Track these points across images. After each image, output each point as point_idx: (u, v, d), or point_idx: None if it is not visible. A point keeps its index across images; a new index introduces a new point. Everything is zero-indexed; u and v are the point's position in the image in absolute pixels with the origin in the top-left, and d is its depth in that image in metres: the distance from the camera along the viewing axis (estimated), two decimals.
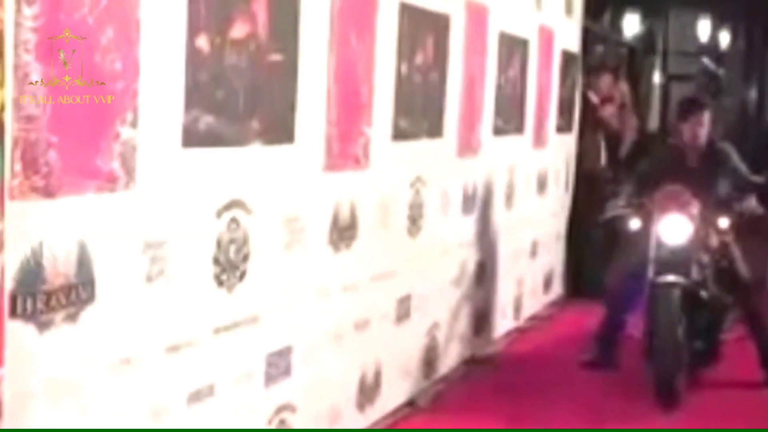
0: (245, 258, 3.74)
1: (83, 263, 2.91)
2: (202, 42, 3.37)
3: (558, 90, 8.02)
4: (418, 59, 5.18)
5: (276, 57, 3.83)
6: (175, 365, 3.40)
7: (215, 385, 3.65)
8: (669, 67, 15.79)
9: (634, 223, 5.98)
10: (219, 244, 3.59)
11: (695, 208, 5.80)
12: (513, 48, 6.72)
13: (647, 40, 14.96)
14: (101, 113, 2.93)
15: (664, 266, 5.71)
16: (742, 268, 6.15)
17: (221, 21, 3.48)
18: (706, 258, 5.92)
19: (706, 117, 6.11)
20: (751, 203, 6.04)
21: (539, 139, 7.57)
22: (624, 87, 9.53)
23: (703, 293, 5.87)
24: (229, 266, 3.65)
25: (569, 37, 8.30)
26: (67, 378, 2.88)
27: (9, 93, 2.55)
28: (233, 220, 3.65)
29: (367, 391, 4.96)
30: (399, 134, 5.01)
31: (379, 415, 5.10)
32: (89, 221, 2.93)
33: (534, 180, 7.58)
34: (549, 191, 7.99)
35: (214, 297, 3.60)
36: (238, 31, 3.58)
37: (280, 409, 4.15)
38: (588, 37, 9.17)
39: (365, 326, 4.86)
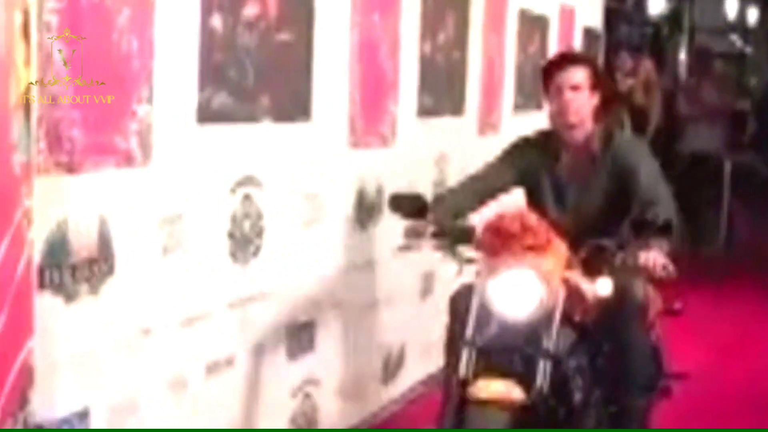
0: (259, 233, 3.81)
1: (104, 237, 3.00)
2: (216, 22, 3.44)
3: None
4: (441, 37, 5.23)
5: (285, 36, 3.88)
6: (192, 337, 3.47)
7: (234, 357, 3.72)
8: (695, 45, 15.72)
9: (449, 270, 3.42)
10: (234, 219, 3.66)
11: (557, 253, 3.30)
12: (533, 25, 6.74)
13: (673, 18, 14.90)
14: (119, 91, 3.01)
15: (488, 362, 3.23)
16: (637, 368, 3.74)
17: (234, 1, 3.55)
18: (567, 341, 3.41)
19: (585, 81, 3.68)
20: (652, 258, 3.32)
21: None
22: (648, 64, 9.53)
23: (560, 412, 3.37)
24: (244, 241, 3.72)
25: (591, 15, 8.30)
26: (90, 348, 2.97)
27: (34, 73, 2.65)
28: (246, 196, 3.72)
29: (392, 367, 5.02)
30: (423, 111, 5.08)
31: (402, 389, 5.16)
32: (109, 197, 3.01)
33: None
34: None
35: (230, 271, 3.67)
36: (250, 10, 3.64)
37: (305, 382, 4.22)
38: (612, 16, 9.17)
39: (389, 302, 4.92)
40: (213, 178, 3.54)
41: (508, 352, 3.27)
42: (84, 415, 2.96)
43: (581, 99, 3.70)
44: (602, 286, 3.36)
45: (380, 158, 4.65)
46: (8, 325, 2.63)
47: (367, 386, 4.78)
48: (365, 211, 4.56)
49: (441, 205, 3.67)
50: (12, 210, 2.63)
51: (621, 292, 3.48)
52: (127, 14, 2.98)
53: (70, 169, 2.83)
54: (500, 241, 3.25)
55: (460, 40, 5.48)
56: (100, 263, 2.98)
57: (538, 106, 7.05)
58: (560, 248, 3.33)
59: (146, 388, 3.25)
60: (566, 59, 3.86)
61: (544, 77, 3.78)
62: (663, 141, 8.83)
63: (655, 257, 3.32)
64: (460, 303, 3.41)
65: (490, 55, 5.92)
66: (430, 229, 3.43)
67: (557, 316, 3.27)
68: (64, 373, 2.85)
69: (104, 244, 3.00)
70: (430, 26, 5.06)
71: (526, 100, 6.70)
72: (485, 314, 3.24)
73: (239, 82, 3.61)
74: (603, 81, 3.89)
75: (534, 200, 3.81)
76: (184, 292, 3.40)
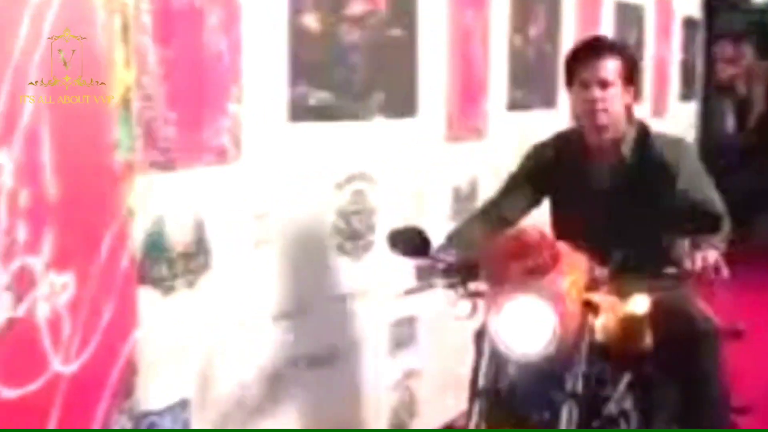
0: (371, 228, 3.87)
1: (199, 232, 3.07)
2: (309, 20, 3.50)
3: (679, 57, 7.93)
4: (532, 31, 5.24)
5: (396, 32, 3.95)
6: (292, 330, 3.53)
7: (336, 351, 3.77)
8: None
9: (463, 309, 2.86)
10: (342, 214, 3.72)
11: (572, 271, 2.74)
12: (629, 15, 6.69)
13: None
14: (210, 90, 3.09)
15: (508, 408, 2.82)
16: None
17: (333, 0, 3.61)
18: (605, 378, 2.92)
19: (617, 74, 3.13)
20: (700, 258, 2.80)
21: (658, 108, 7.50)
22: (750, 52, 9.35)
23: None
24: (353, 236, 3.77)
25: (690, 3, 8.19)
26: (188, 340, 3.05)
27: (133, 74, 2.75)
28: (357, 191, 3.78)
29: None
30: (514, 104, 5.09)
31: None
32: (203, 193, 3.08)
33: None
34: None
35: (337, 265, 3.72)
36: (357, 8, 3.71)
37: (406, 375, 4.26)
38: (713, 3, 9.02)
39: None
40: (312, 174, 3.59)
41: (529, 396, 2.78)
42: (183, 405, 3.04)
43: (612, 96, 3.11)
44: (637, 304, 2.86)
45: (474, 151, 4.68)
46: (114, 318, 2.75)
47: (467, 380, 4.79)
48: (461, 204, 4.59)
49: (457, 239, 3.18)
50: (115, 208, 2.74)
51: (678, 311, 3.06)
52: (216, 14, 3.06)
53: (166, 166, 2.92)
54: (499, 267, 2.74)
55: (553, 34, 5.47)
56: (195, 257, 3.06)
57: (637, 99, 7.01)
58: (577, 265, 2.76)
59: (245, 380, 3.32)
60: (593, 48, 3.19)
61: (567, 70, 3.21)
62: (766, 130, 8.65)
63: (704, 256, 2.79)
64: (480, 341, 2.89)
65: None
66: (441, 266, 2.93)
67: (584, 347, 2.73)
68: (163, 365, 2.94)
69: (199, 239, 3.08)
70: (520, 19, 5.07)
71: None
72: (501, 354, 2.73)
73: (345, 78, 3.67)
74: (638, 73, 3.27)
75: (560, 214, 3.31)
76: (281, 286, 3.46)
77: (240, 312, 3.27)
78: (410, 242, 2.96)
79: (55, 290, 2.56)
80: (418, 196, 4.17)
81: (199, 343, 3.08)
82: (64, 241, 2.56)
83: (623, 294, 2.86)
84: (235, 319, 3.25)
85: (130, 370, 2.81)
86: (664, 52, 7.57)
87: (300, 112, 3.49)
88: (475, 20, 4.60)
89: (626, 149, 3.20)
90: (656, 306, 2.91)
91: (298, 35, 3.46)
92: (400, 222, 3.99)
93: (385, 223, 3.87)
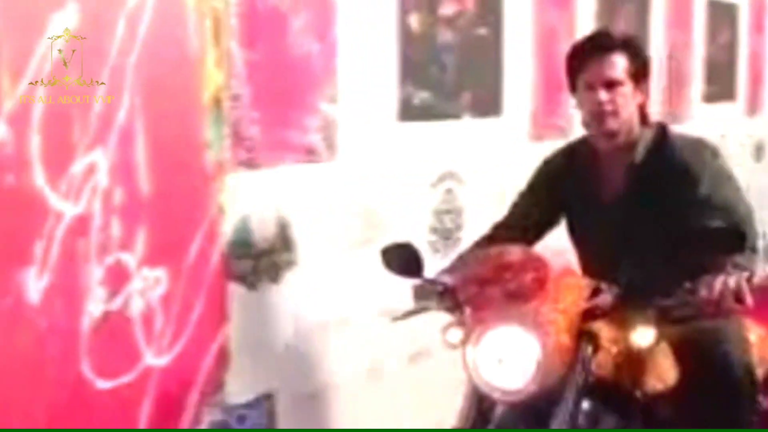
0: (459, 227, 3.90)
1: (284, 229, 3.12)
2: (413, 20, 3.56)
3: None
4: (619, 28, 5.20)
5: (482, 31, 3.97)
6: (388, 327, 3.55)
7: (432, 348, 3.79)
8: None
9: (453, 336, 2.44)
10: (436, 213, 3.76)
11: (564, 295, 2.39)
12: (721, 13, 6.60)
13: None
14: (300, 90, 3.13)
15: None
16: None
17: (430, 1, 3.66)
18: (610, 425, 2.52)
19: (626, 72, 2.75)
20: (731, 281, 2.36)
21: (753, 106, 7.37)
22: None
23: None
24: (445, 235, 3.81)
25: None
26: (273, 334, 3.10)
27: (223, 74, 2.82)
28: (448, 190, 3.82)
29: None
30: None
31: None
32: (290, 191, 3.13)
33: (749, 148, 7.40)
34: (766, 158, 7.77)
35: (430, 264, 3.74)
36: (448, 8, 3.75)
37: None
38: None
39: None
40: (411, 173, 3.63)
41: None
42: (268, 398, 3.09)
43: (621, 97, 2.73)
44: (641, 337, 2.40)
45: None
46: (205, 312, 2.82)
47: None
48: None
49: (465, 261, 2.80)
50: (206, 206, 2.81)
51: (710, 349, 2.68)
52: (306, 16, 3.11)
53: (252, 165, 2.97)
54: (476, 291, 2.40)
55: (640, 33, 5.42)
56: (280, 254, 3.11)
57: (731, 97, 6.91)
58: (571, 289, 2.40)
59: (341, 374, 3.37)
60: (596, 44, 2.81)
61: (568, 71, 2.85)
62: None
63: (723, 281, 2.35)
64: None
65: (673, 45, 5.83)
66: (438, 288, 2.61)
67: (575, 383, 2.33)
68: (249, 358, 2.99)
69: (285, 236, 3.12)
70: (607, 18, 5.04)
71: (716, 91, 6.56)
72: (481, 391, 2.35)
73: (439, 78, 3.72)
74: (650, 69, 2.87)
75: (576, 233, 2.95)
76: (380, 284, 3.49)
77: (330, 308, 3.32)
78: (401, 260, 2.66)
79: (149, 285, 2.64)
80: (501, 196, 4.18)
81: (285, 338, 3.14)
82: (157, 238, 2.64)
83: (630, 324, 2.41)
84: (328, 315, 3.30)
85: (220, 363, 2.88)
86: (759, 49, 7.44)
87: (408, 111, 3.55)
88: (561, 19, 4.59)
89: (640, 155, 2.78)
90: (683, 339, 2.54)
91: (405, 36, 3.51)
92: (485, 221, 4.02)
93: (472, 223, 3.90)
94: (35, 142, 2.33)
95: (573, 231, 2.96)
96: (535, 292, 2.32)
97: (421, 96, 3.63)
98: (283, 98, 3.06)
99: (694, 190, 2.67)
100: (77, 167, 2.44)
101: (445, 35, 3.73)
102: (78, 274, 2.45)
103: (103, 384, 2.53)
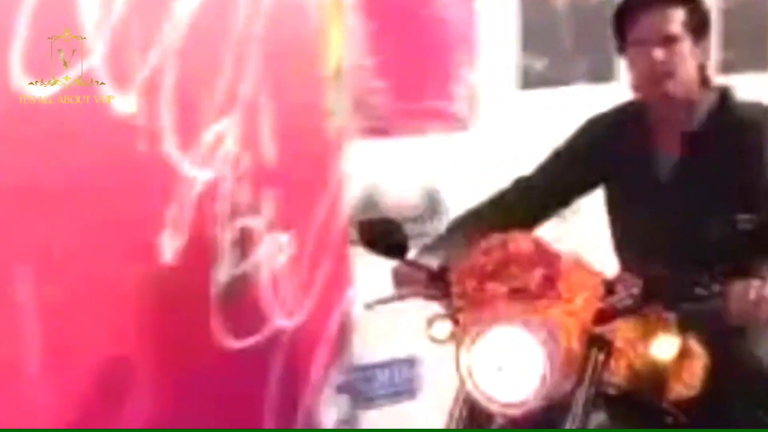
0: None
1: (428, 197, 3.18)
2: None
3: None
4: None
5: None
6: None
7: None
8: None
9: (440, 330, 2.12)
10: None
11: (578, 294, 2.02)
12: None
13: None
14: (438, 59, 3.18)
15: None
16: None
17: None
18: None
19: (684, 26, 2.36)
20: (755, 292, 2.00)
21: None
22: None
23: None
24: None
25: None
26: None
27: (345, 45, 2.89)
28: None
29: None
30: (724, 67, 4.97)
31: None
32: (430, 159, 3.17)
33: None
34: None
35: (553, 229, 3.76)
36: None
37: None
38: None
39: None
40: (537, 141, 3.65)
41: None
42: (410, 362, 3.15)
43: (679, 56, 2.37)
44: (660, 348, 2.08)
45: None
46: (330, 276, 2.90)
47: None
48: None
49: (458, 232, 2.44)
50: (329, 173, 2.89)
51: (747, 364, 2.38)
52: None
53: (379, 132, 3.02)
54: (475, 285, 2.04)
55: None
56: (424, 221, 3.15)
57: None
58: (584, 285, 2.03)
59: None
60: None
61: (616, 29, 2.46)
62: None
63: (760, 289, 2.01)
64: None
65: None
66: (421, 273, 2.23)
67: (581, 395, 2.00)
68: (380, 322, 3.05)
69: (429, 203, 3.17)
70: None
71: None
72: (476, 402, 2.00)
73: (556, 45, 3.73)
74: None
75: (615, 206, 2.56)
76: None
77: None
78: (382, 239, 2.25)
79: (276, 249, 2.74)
80: None
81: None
82: (283, 203, 2.73)
83: (650, 331, 2.09)
84: None
85: (347, 325, 2.96)
86: None
87: (528, 79, 3.58)
88: None
89: (699, 122, 2.41)
90: (717, 349, 2.22)
91: (526, 3, 3.54)
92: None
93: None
94: (166, 113, 2.44)
95: (612, 205, 2.56)
96: (544, 291, 1.98)
97: (541, 63, 3.65)
98: (418, 66, 3.11)
99: (761, 164, 2.31)
100: (207, 136, 2.54)
101: (561, 1, 3.74)
102: (209, 237, 2.56)
103: (235, 344, 2.63)
